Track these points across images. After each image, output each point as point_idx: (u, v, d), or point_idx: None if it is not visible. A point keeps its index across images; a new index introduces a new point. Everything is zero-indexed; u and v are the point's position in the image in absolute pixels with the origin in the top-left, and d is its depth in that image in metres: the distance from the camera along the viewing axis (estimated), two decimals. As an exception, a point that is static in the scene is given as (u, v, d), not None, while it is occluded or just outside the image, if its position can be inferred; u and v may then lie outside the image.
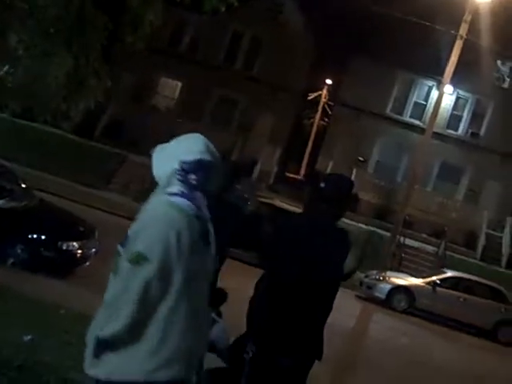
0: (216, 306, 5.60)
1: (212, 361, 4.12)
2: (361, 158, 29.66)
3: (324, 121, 44.19)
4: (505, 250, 26.29)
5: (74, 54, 11.33)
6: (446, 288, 17.76)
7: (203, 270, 2.79)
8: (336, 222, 4.24)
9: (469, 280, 18.48)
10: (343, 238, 4.29)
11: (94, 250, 9.81)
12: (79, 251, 9.47)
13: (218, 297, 5.75)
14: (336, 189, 4.18)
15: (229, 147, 24.87)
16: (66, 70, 11.14)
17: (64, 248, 9.22)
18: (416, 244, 24.02)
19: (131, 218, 2.85)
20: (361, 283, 18.07)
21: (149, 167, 2.91)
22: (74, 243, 9.38)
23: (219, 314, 6.50)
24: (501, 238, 26.83)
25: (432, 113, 23.73)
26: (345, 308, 15.30)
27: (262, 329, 4.00)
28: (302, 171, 42.93)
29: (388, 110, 30.25)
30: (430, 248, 24.26)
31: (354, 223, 22.88)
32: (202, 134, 2.92)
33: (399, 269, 19.56)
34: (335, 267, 4.17)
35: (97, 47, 11.96)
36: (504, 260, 25.91)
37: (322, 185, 4.16)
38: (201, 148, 2.80)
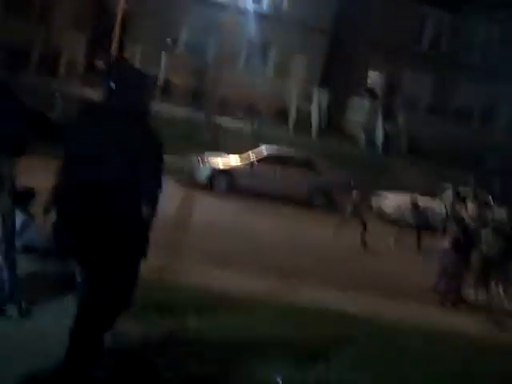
0: (22, 204, 5.44)
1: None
2: (169, 40, 28.99)
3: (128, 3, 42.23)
4: (314, 120, 27.62)
5: None
6: (263, 164, 18.43)
7: None
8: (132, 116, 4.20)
9: (283, 154, 19.28)
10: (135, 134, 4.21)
11: None
12: None
13: (24, 195, 5.59)
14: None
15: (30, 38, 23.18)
16: None
17: None
18: (231, 123, 24.42)
19: None
20: (182, 169, 18.21)
21: None
22: None
23: (28, 213, 6.27)
24: (309, 109, 28.04)
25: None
26: (165, 195, 15.46)
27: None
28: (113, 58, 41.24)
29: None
30: (245, 126, 24.76)
31: (169, 107, 22.73)
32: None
33: (217, 149, 19.84)
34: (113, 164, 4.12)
35: None
36: (313, 130, 27.28)
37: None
38: None
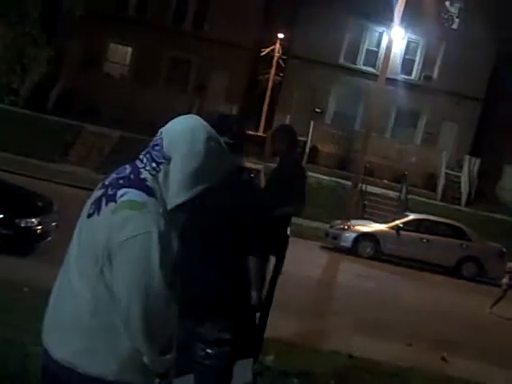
0: None
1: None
2: (318, 110, 29.71)
3: (279, 75, 44.01)
4: (464, 188, 26.82)
5: (11, 24, 11.00)
6: (409, 231, 18.12)
7: None
8: None
9: (430, 221, 18.86)
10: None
11: (54, 223, 9.70)
12: (39, 227, 9.35)
13: None
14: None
15: (187, 109, 24.67)
16: (3, 41, 10.82)
17: (22, 225, 9.08)
18: (378, 190, 24.34)
19: (91, 189, 2.75)
20: (326, 234, 18.31)
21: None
22: (33, 219, 9.23)
23: None
24: (459, 177, 27.33)
25: (384, 58, 23.78)
26: (311, 259, 15.57)
27: None
28: (261, 128, 42.89)
29: (341, 59, 30.24)
30: (391, 193, 24.61)
31: (315, 175, 23.07)
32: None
33: (363, 216, 19.82)
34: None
35: (34, 15, 11.59)
36: (463, 198, 26.45)
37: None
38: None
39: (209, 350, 3.42)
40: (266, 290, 4.46)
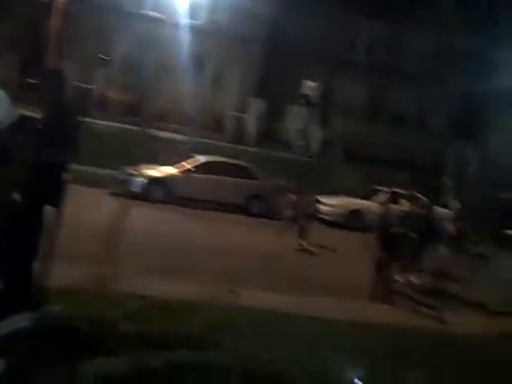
0: None
1: None
2: (105, 57, 28.80)
3: (63, 21, 41.85)
4: (250, 129, 27.87)
5: None
6: (199, 173, 18.49)
7: None
8: None
9: (219, 162, 19.41)
10: None
11: None
12: None
13: None
14: None
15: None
16: None
17: None
18: (168, 135, 24.41)
19: None
20: (116, 180, 18.12)
21: None
22: None
23: None
24: (245, 119, 28.29)
25: (170, 4, 23.59)
26: (101, 206, 15.33)
27: None
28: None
29: (127, 6, 29.41)
30: (181, 137, 24.80)
31: (103, 122, 22.57)
32: None
33: (153, 161, 19.80)
34: None
35: None
36: (250, 139, 27.50)
37: None
38: None
39: None
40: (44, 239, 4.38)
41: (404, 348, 8.19)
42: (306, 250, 15.16)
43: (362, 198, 20.39)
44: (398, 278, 12.82)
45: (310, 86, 31.86)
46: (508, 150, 31.09)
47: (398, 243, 12.30)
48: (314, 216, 17.20)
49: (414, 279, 13.41)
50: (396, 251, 12.18)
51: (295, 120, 29.95)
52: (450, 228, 17.08)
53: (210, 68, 30.48)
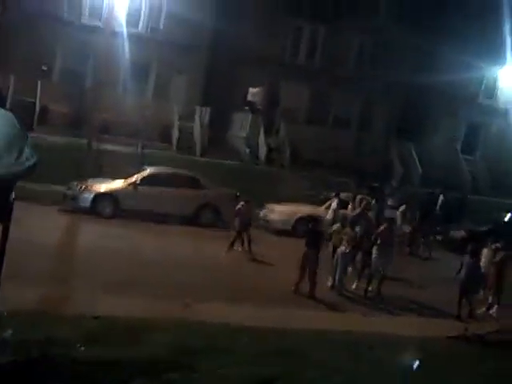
0: None
1: None
2: (44, 68, 28.34)
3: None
4: (197, 138, 27.88)
5: None
6: (147, 185, 18.39)
7: None
8: None
9: (166, 173, 19.38)
10: None
11: None
12: None
13: None
14: None
15: None
16: None
17: None
18: (114, 148, 24.15)
19: None
20: (64, 196, 17.92)
21: None
22: None
23: None
24: (192, 127, 28.26)
25: (108, 12, 23.36)
26: (49, 224, 15.15)
27: None
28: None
29: (65, 14, 28.95)
30: (128, 149, 24.54)
31: (47, 137, 22.28)
32: None
33: (100, 175, 19.60)
34: None
35: None
36: (197, 148, 27.52)
37: None
38: None
39: None
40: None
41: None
42: (253, 260, 15.34)
43: (311, 204, 20.63)
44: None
45: (254, 93, 32.04)
46: (446, 149, 32.09)
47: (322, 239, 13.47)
48: (250, 224, 16.99)
49: (359, 284, 13.86)
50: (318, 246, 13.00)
51: (241, 127, 30.08)
52: (398, 229, 17.52)
53: (154, 77, 30.30)
